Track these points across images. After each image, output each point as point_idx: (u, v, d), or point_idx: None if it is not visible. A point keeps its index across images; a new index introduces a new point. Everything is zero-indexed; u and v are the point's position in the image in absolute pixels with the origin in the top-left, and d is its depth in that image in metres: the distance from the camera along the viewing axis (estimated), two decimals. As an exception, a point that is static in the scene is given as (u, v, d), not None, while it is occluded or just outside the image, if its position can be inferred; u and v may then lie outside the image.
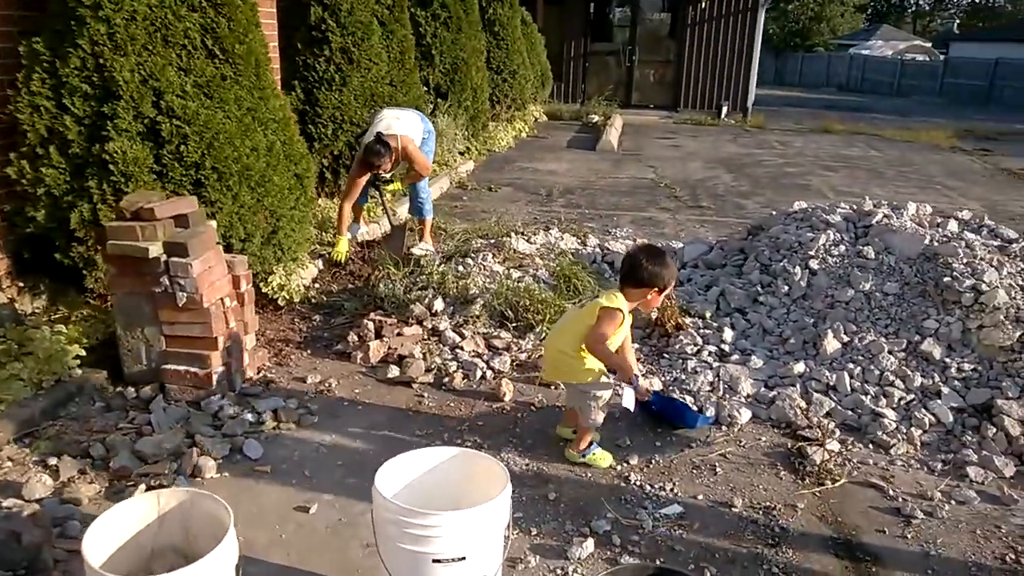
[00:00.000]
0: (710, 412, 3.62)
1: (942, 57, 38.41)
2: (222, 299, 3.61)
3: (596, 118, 16.41)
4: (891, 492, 3.10)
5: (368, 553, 2.61)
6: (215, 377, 3.53)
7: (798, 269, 4.45)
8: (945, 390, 3.67)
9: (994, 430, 3.44)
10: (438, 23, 10.13)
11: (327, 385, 3.82)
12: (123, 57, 3.91)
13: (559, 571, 2.55)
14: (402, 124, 5.67)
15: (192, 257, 3.39)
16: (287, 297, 4.83)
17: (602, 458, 3.19)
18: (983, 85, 31.98)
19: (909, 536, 2.84)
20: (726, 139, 14.87)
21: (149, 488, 2.80)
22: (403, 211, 6.66)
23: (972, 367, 3.76)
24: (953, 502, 3.05)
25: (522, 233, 6.20)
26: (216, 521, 2.12)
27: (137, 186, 3.91)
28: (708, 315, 4.48)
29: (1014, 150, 14.86)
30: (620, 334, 3.16)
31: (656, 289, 3.07)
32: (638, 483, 3.09)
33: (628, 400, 3.07)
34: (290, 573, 2.49)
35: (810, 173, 11.15)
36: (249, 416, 3.39)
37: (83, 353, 3.61)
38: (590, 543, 2.65)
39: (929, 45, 45.83)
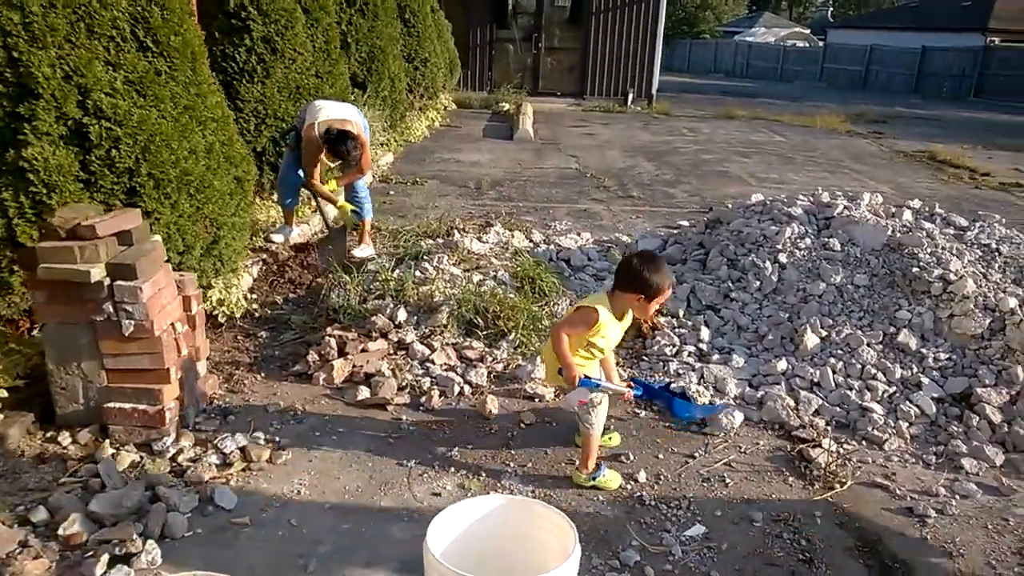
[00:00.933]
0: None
1: (821, 44, 40.27)
2: (173, 324, 3.21)
3: (507, 106, 16.23)
4: (898, 492, 3.08)
5: (386, 611, 2.34)
6: (168, 415, 3.12)
7: (768, 263, 4.40)
8: (925, 380, 3.70)
9: (977, 419, 3.48)
10: (353, 10, 9.68)
11: (292, 412, 3.47)
12: (42, 50, 3.38)
13: (600, 613, 2.36)
14: (350, 114, 5.33)
15: (141, 280, 2.98)
16: (227, 313, 4.42)
17: (611, 480, 3.02)
18: (860, 70, 33.81)
19: (928, 537, 2.81)
20: (637, 126, 14.98)
21: (114, 559, 2.40)
22: (332, 211, 6.27)
23: (947, 356, 3.80)
24: (957, 497, 3.06)
25: (465, 231, 5.95)
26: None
27: (62, 197, 3.41)
28: (681, 313, 4.38)
29: (902, 132, 15.68)
30: (601, 338, 2.98)
31: (644, 297, 2.89)
32: (652, 503, 2.93)
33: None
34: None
35: (726, 160, 11.33)
36: (214, 458, 3.01)
37: (4, 394, 3.12)
38: (625, 576, 2.48)
39: (808, 32, 48.02)
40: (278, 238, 5.76)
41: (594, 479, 2.99)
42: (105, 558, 2.37)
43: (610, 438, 3.32)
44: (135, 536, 2.46)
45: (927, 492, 3.09)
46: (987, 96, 27.93)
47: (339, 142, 5.10)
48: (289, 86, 6.65)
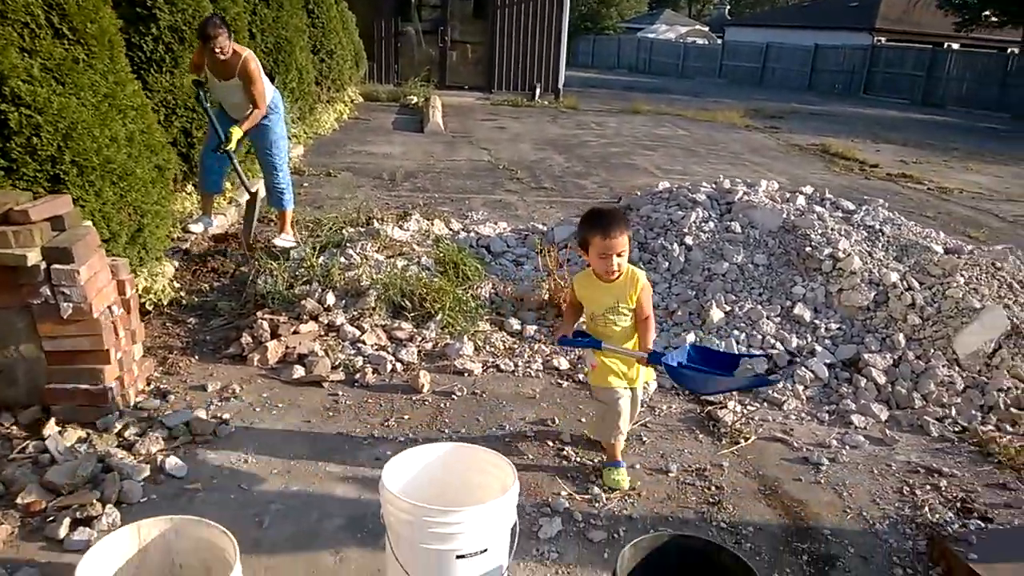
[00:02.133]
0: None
1: (719, 41, 41.89)
2: (110, 307, 3.25)
3: (415, 99, 16.32)
4: (795, 444, 3.44)
5: (340, 560, 2.51)
6: (110, 394, 3.18)
7: (675, 246, 4.75)
8: (818, 348, 4.10)
9: (864, 381, 3.90)
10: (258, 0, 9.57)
11: (231, 391, 3.56)
12: (-45, 36, 3.37)
13: (535, 551, 2.60)
14: None
15: (78, 263, 3.02)
16: (155, 300, 4.43)
17: (621, 479, 3.00)
18: (757, 67, 35.41)
19: (822, 481, 3.17)
20: (546, 120, 15.34)
21: (75, 522, 2.50)
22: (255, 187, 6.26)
23: (837, 326, 4.23)
24: (847, 447, 3.44)
25: (384, 220, 6.08)
26: (206, 547, 1.96)
27: (-18, 184, 3.40)
28: (597, 293, 4.66)
29: (797, 127, 16.65)
30: (588, 304, 2.98)
31: (583, 250, 2.88)
32: (578, 460, 3.19)
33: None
34: (264, 595, 2.34)
35: (632, 153, 11.81)
36: (160, 432, 3.09)
37: (-62, 380, 3.12)
38: (557, 521, 2.73)
39: (707, 30, 49.79)
40: (197, 228, 5.73)
41: (604, 467, 3.06)
42: (67, 522, 2.48)
43: (619, 475, 3.04)
44: (95, 501, 2.55)
45: (821, 444, 3.46)
46: (875, 93, 29.81)
47: (203, 24, 5.07)
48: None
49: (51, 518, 2.54)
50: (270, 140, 5.59)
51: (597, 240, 2.78)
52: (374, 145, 11.09)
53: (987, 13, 27.91)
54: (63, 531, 2.47)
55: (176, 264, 5.11)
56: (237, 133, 5.32)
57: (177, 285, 4.81)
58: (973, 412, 3.71)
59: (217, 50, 5.06)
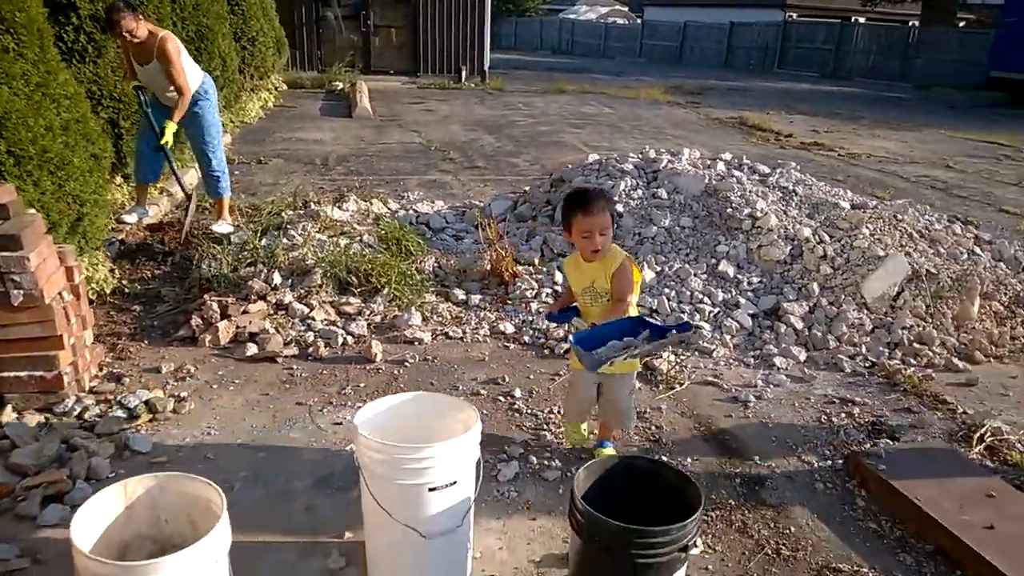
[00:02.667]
0: None
1: (639, 21, 42.54)
2: (60, 293, 3.29)
3: (341, 85, 16.23)
4: (724, 386, 3.73)
5: (309, 511, 2.66)
6: (66, 379, 3.23)
7: (607, 212, 4.99)
8: (742, 301, 4.41)
9: (784, 327, 4.22)
10: (174, -14, 9.41)
11: (186, 372, 3.64)
12: None
13: (496, 492, 2.80)
14: None
15: (27, 250, 3.06)
16: (97, 290, 4.44)
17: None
18: (675, 46, 36.15)
19: (750, 416, 3.46)
20: (474, 102, 15.47)
21: (47, 498, 2.58)
22: (187, 179, 6.27)
23: (759, 280, 4.54)
24: (771, 386, 3.75)
25: (321, 203, 6.16)
26: (191, 501, 2.08)
27: (-81, 176, 3.39)
28: (536, 261, 4.88)
29: (716, 102, 17.19)
30: (573, 284, 2.98)
31: (567, 230, 2.87)
32: (529, 411, 3.40)
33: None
34: (244, 546, 2.47)
35: (560, 131, 12.06)
36: (120, 412, 3.17)
37: None
38: (514, 464, 2.94)
39: (627, 10, 50.41)
40: (130, 218, 5.71)
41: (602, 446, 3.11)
42: (38, 499, 2.54)
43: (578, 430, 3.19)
44: (65, 478, 2.62)
45: (748, 385, 3.76)
46: (788, 68, 30.84)
47: (107, 10, 5.08)
48: (123, 65, 6.52)
49: (21, 497, 2.60)
50: (202, 127, 5.60)
51: (579, 218, 2.74)
52: (303, 131, 11.05)
53: (890, -13, 29.20)
54: (36, 508, 2.55)
55: (113, 254, 5.10)
56: (171, 127, 5.33)
57: (118, 274, 4.82)
58: (881, 349, 4.08)
59: (126, 34, 5.05)
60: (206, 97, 5.60)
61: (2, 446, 2.89)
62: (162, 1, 7.39)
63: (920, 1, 28.42)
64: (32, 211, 3.40)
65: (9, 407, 3.11)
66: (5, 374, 3.17)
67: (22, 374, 3.18)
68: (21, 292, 3.08)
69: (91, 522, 1.97)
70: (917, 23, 28.66)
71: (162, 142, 5.31)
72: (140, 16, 5.14)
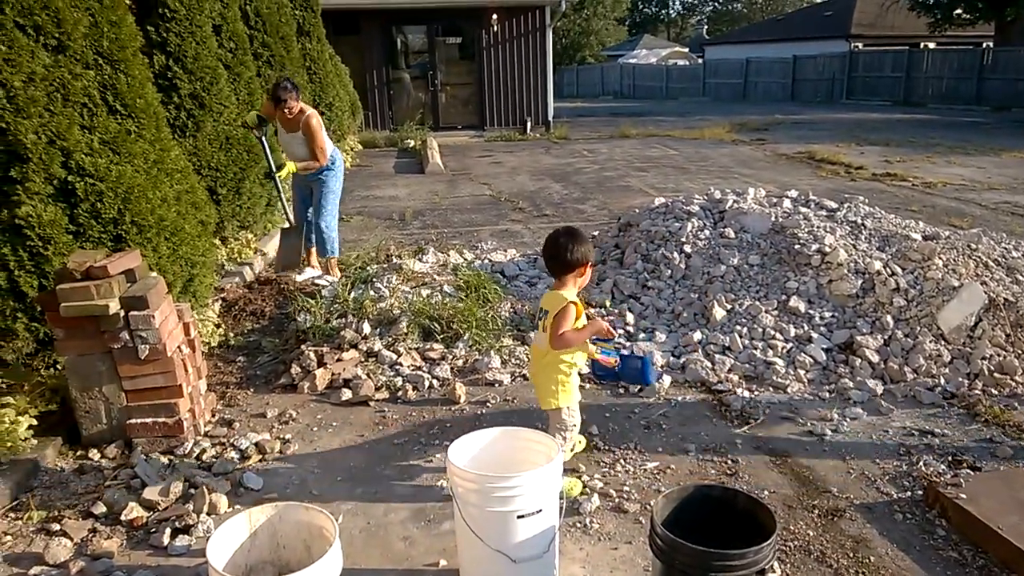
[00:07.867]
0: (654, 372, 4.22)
1: (700, 60, 42.78)
2: (179, 347, 3.66)
3: (412, 142, 16.88)
4: (800, 420, 3.81)
5: (406, 541, 2.88)
6: (185, 424, 3.58)
7: (676, 254, 5.15)
8: (815, 335, 4.48)
9: (859, 361, 4.27)
10: (261, 62, 10.12)
11: (288, 416, 3.95)
12: (26, 119, 3.81)
13: (579, 524, 2.97)
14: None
15: (152, 308, 3.43)
16: (205, 342, 4.83)
17: (571, 487, 3.19)
18: (739, 83, 36.17)
19: (827, 449, 3.54)
20: (539, 152, 15.87)
21: (176, 531, 2.88)
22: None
23: (831, 314, 4.61)
24: (848, 420, 3.81)
25: (402, 256, 6.51)
26: (306, 529, 2.33)
27: (56, 248, 3.82)
28: (608, 303, 5.06)
29: (783, 136, 17.17)
30: (583, 320, 3.20)
31: (589, 264, 3.18)
32: (607, 448, 3.57)
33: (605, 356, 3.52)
34: (352, 573, 2.69)
35: (626, 175, 12.28)
36: (233, 454, 3.48)
37: (34, 421, 3.51)
38: (596, 499, 3.10)
39: (687, 51, 50.80)
40: (302, 277, 6.28)
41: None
42: (168, 531, 2.84)
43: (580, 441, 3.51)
44: (191, 511, 2.92)
45: (824, 419, 3.83)
46: (856, 97, 30.47)
47: (275, 87, 5.86)
48: (219, 137, 7.08)
49: (153, 530, 2.92)
50: (324, 193, 6.29)
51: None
52: (379, 189, 11.57)
53: (958, 12, 28.64)
54: (166, 539, 2.85)
55: (217, 311, 5.53)
56: (291, 167, 6.10)
57: (223, 328, 5.23)
58: (960, 380, 4.09)
59: (286, 110, 5.87)
60: (332, 168, 6.21)
61: (134, 485, 3.22)
62: (251, 77, 7.98)
63: (993, 22, 27.80)
64: (154, 274, 3.79)
65: (138, 449, 3.46)
66: (133, 420, 3.53)
67: (148, 420, 3.54)
68: (147, 346, 3.45)
69: (222, 547, 2.24)
70: (991, 44, 28.00)
71: (278, 174, 6.10)
72: (299, 95, 5.94)
